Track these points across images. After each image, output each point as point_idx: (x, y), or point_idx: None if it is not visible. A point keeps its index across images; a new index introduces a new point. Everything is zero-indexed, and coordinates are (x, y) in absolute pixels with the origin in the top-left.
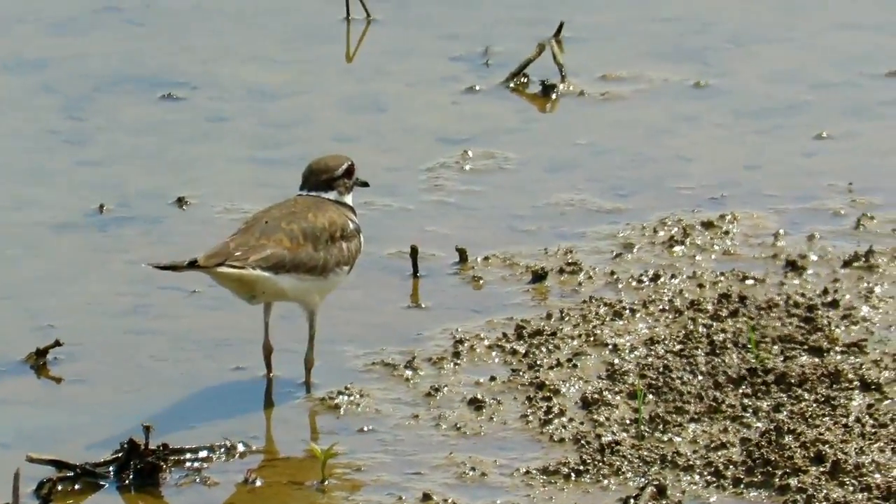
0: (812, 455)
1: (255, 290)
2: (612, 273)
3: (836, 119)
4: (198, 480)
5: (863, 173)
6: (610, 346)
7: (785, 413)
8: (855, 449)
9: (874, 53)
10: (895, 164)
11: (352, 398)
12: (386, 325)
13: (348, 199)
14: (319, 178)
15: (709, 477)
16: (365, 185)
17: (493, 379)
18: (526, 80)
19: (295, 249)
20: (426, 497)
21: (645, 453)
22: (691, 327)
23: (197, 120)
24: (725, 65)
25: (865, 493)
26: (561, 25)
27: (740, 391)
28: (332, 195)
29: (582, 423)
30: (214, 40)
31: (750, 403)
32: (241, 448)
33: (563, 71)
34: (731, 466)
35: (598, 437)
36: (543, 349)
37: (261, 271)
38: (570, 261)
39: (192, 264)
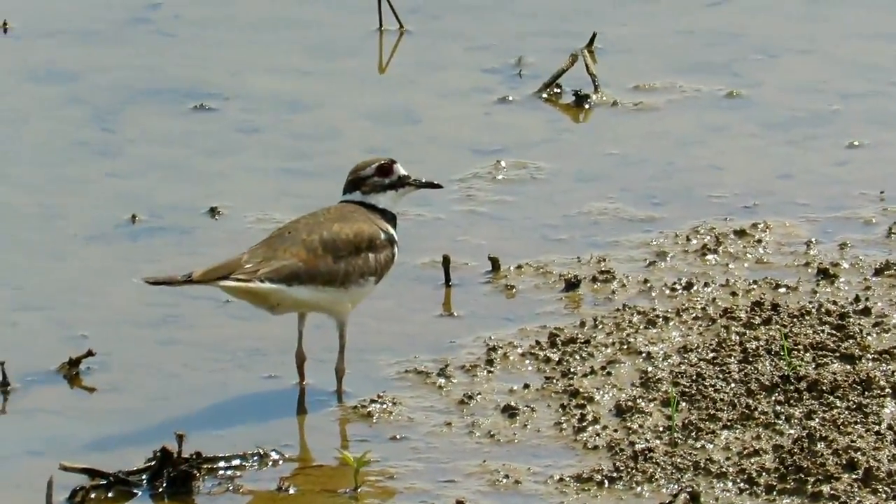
0: (844, 462)
1: (270, 301)
2: (646, 281)
3: (866, 128)
4: (230, 489)
5: (894, 182)
6: (643, 354)
7: (817, 420)
8: (887, 456)
9: None
10: None
11: (384, 406)
12: (419, 333)
13: (381, 200)
14: (348, 179)
15: (742, 484)
16: (432, 185)
17: (526, 387)
18: (559, 91)
19: (311, 261)
20: None
21: (678, 460)
22: (724, 335)
23: (228, 131)
24: (755, 75)
25: None
26: (594, 36)
27: (773, 398)
28: (356, 196)
29: (616, 431)
30: (245, 51)
31: (782, 410)
32: (273, 456)
33: (595, 81)
34: (763, 473)
35: (632, 444)
36: (577, 357)
37: (270, 284)
38: (603, 269)
39: (188, 279)
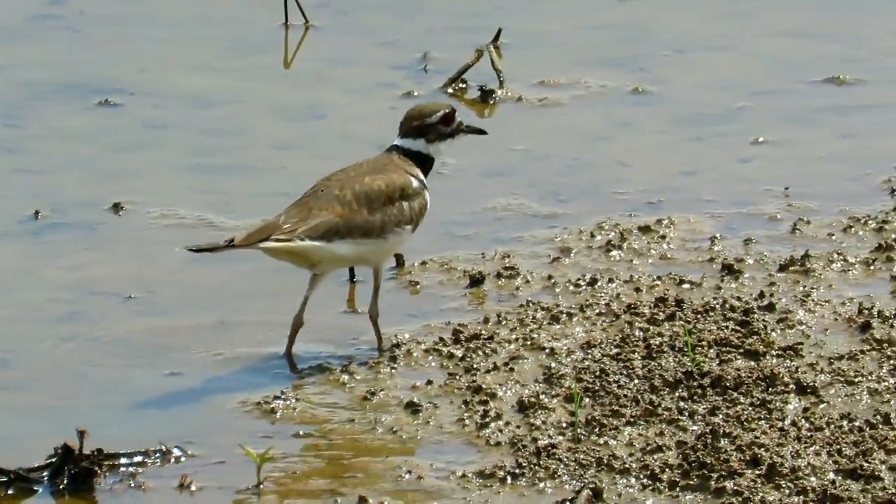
0: (748, 458)
1: (312, 259)
2: (550, 277)
3: (773, 125)
4: (133, 485)
5: (799, 179)
6: (547, 350)
7: (721, 416)
8: (791, 452)
9: (810, 61)
10: (831, 170)
11: (288, 402)
12: (323, 329)
13: (440, 148)
14: (411, 125)
15: (645, 480)
16: (480, 132)
17: (429, 383)
18: (464, 86)
19: (348, 215)
20: (362, 501)
21: (581, 456)
22: (628, 331)
23: (134, 127)
24: (663, 71)
25: (801, 497)
26: (499, 32)
27: (676, 394)
28: (419, 144)
29: (518, 427)
30: (152, 48)
31: (686, 407)
32: (176, 452)
33: (501, 77)
34: (667, 469)
35: (535, 440)
36: (480, 353)
37: (310, 241)
38: (507, 265)
39: (231, 244)
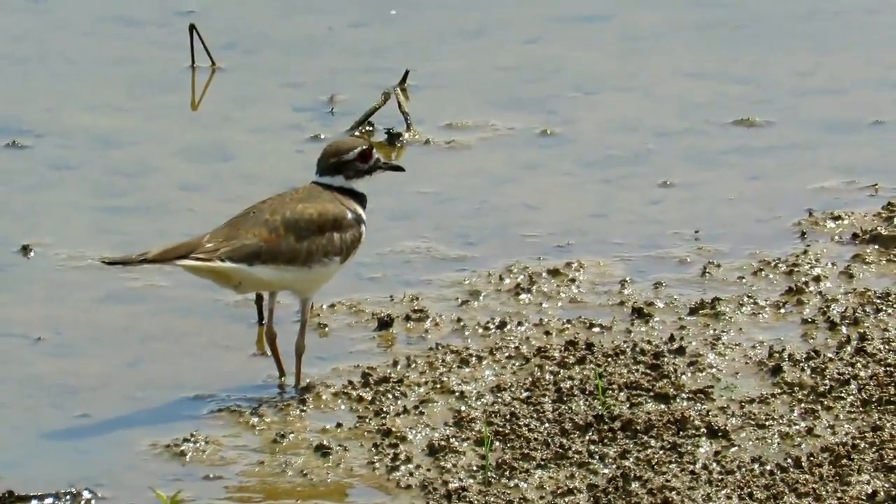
0: (659, 501)
1: (232, 281)
2: (459, 320)
3: (682, 167)
4: None
5: (708, 221)
6: (457, 393)
7: (632, 459)
8: (702, 496)
9: (718, 102)
10: (740, 212)
11: (197, 445)
12: (232, 372)
13: (360, 185)
14: (328, 162)
15: None
16: (398, 168)
17: (339, 426)
18: (371, 129)
19: (273, 241)
20: None
21: (492, 500)
22: (538, 374)
23: (42, 167)
24: (570, 113)
25: None
26: (406, 74)
27: (587, 438)
28: (338, 180)
29: (429, 470)
30: (59, 88)
31: (597, 450)
32: (86, 495)
33: (408, 119)
34: None
35: (445, 483)
36: (390, 396)
37: (231, 263)
38: (416, 308)
39: (143, 259)
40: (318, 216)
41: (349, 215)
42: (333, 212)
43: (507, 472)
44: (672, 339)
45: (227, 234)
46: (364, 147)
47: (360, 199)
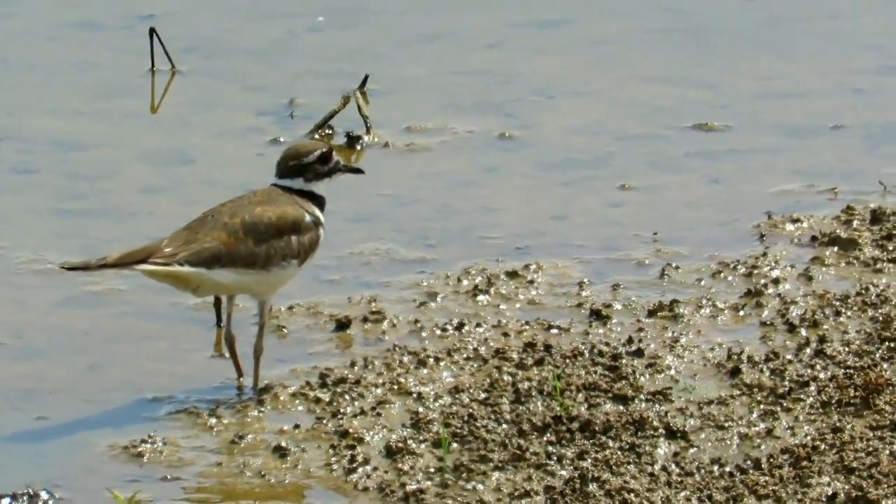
0: (617, 503)
1: (191, 284)
2: (417, 321)
3: (641, 171)
4: None
5: (667, 224)
6: (414, 395)
7: (590, 461)
8: (661, 497)
9: (678, 106)
10: (699, 215)
11: (155, 446)
12: (190, 374)
13: (319, 187)
14: (288, 164)
15: None
16: (357, 171)
17: (297, 427)
18: (331, 132)
19: (232, 244)
20: None
21: (449, 502)
22: (496, 376)
23: (2, 171)
24: (530, 117)
25: None
26: (366, 78)
27: (545, 439)
28: (298, 183)
29: (386, 472)
30: (19, 93)
31: (554, 451)
32: (44, 496)
33: (367, 123)
34: None
35: (403, 485)
36: (347, 397)
37: (190, 267)
38: (373, 309)
39: (103, 263)
40: (276, 219)
41: (308, 218)
42: (293, 215)
43: (464, 474)
44: (630, 340)
45: (186, 237)
46: (324, 150)
47: (320, 201)
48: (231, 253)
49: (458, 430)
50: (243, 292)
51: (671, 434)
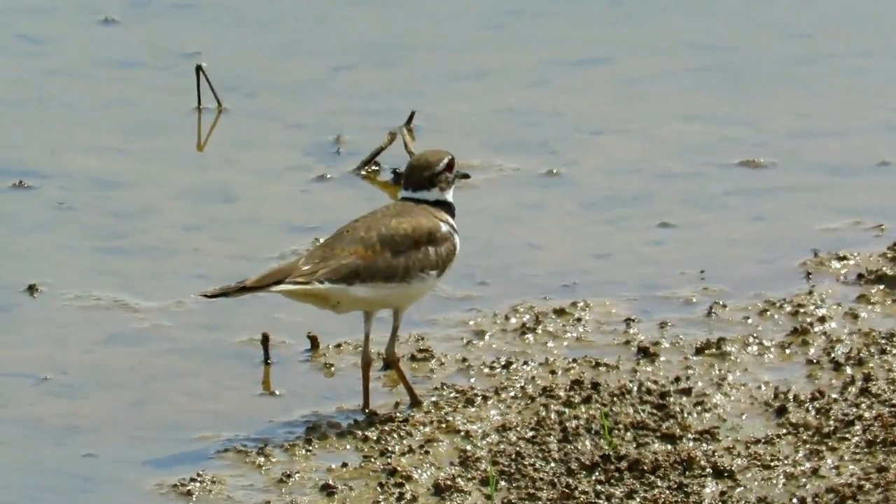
0: None
1: (331, 301)
2: (464, 360)
3: (684, 208)
4: None
5: (712, 262)
6: (462, 433)
7: (638, 500)
8: None
9: (718, 144)
10: (743, 253)
11: (204, 484)
12: (238, 411)
13: (449, 195)
14: (421, 176)
15: None
16: (465, 176)
17: (344, 465)
18: (377, 169)
19: (370, 258)
20: None
21: None
22: (543, 414)
23: (45, 209)
24: (573, 154)
25: None
26: (412, 114)
27: (593, 478)
28: (434, 193)
29: None
30: (63, 130)
31: (603, 490)
32: None
33: None
34: None
35: None
36: (395, 435)
37: (330, 284)
38: (421, 347)
39: (243, 287)
40: (412, 230)
41: (443, 228)
42: (428, 225)
43: None
44: (678, 379)
45: (323, 254)
46: (450, 156)
47: (451, 209)
48: (369, 267)
49: (506, 469)
50: (383, 307)
51: (718, 473)
